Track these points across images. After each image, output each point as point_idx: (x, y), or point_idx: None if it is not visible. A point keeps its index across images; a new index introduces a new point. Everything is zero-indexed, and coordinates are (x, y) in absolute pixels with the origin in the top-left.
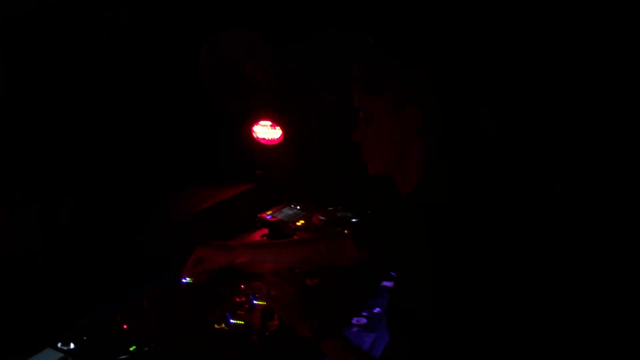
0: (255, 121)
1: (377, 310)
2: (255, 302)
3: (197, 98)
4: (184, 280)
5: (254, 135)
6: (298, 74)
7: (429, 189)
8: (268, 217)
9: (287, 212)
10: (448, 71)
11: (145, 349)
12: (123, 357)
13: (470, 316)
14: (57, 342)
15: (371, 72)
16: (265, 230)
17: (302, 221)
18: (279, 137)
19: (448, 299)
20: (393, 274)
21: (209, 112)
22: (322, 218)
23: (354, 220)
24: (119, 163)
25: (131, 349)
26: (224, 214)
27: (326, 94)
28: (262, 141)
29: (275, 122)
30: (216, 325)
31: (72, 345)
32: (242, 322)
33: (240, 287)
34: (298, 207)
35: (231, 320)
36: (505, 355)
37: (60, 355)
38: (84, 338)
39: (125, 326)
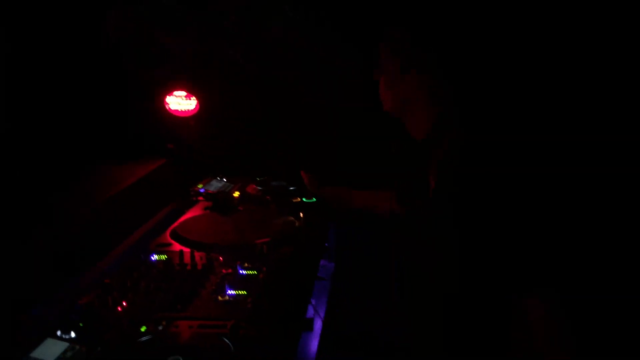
0: (169, 92)
1: None
2: (243, 272)
3: (103, 65)
4: (153, 258)
5: (167, 107)
6: (214, 40)
7: (443, 135)
8: (202, 190)
9: (216, 184)
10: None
11: (159, 327)
12: (145, 337)
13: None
14: (56, 331)
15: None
16: (207, 203)
17: (238, 192)
18: (194, 109)
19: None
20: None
21: (116, 81)
22: (258, 188)
23: (291, 188)
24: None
25: (142, 329)
26: (141, 192)
27: (243, 61)
28: (176, 113)
29: (191, 92)
30: (219, 297)
31: (72, 334)
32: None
33: (219, 259)
34: (225, 180)
35: (230, 292)
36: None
37: (66, 344)
38: (80, 325)
39: (119, 308)
